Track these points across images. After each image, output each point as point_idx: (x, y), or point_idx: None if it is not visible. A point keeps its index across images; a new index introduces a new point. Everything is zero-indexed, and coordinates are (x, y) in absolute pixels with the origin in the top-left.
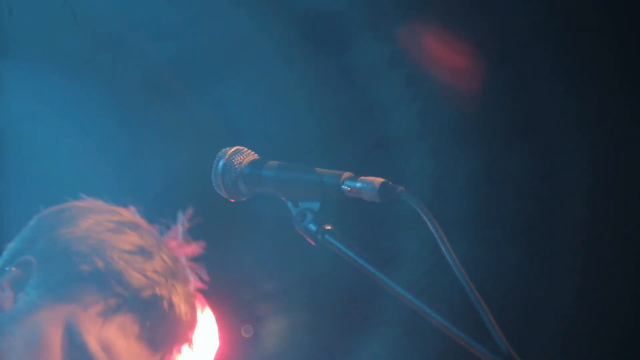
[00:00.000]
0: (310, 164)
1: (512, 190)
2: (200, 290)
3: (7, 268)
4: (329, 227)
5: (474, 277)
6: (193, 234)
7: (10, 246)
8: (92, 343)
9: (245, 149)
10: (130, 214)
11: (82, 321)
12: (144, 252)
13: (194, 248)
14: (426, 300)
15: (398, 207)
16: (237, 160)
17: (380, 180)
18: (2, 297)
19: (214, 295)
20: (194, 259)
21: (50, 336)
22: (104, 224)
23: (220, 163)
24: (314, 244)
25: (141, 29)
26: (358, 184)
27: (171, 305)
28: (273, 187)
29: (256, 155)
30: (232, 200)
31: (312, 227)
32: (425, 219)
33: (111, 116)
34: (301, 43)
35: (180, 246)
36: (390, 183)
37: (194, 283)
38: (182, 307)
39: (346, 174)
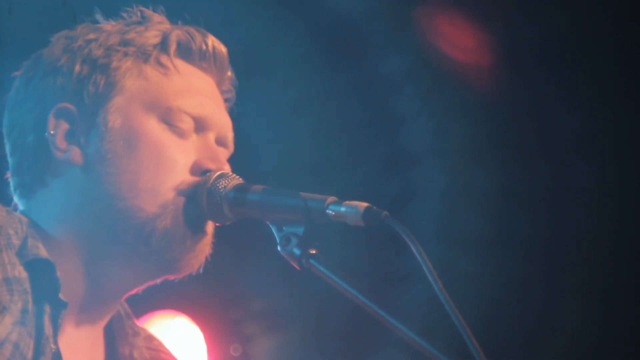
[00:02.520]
0: (325, 179)
1: (528, 208)
2: (191, 310)
3: (46, 134)
4: (314, 252)
5: (488, 294)
6: None
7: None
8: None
9: (230, 173)
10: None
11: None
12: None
13: None
14: (412, 325)
15: (409, 227)
16: (222, 184)
17: (365, 204)
18: (72, 155)
19: (204, 314)
20: None
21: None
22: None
23: (205, 187)
24: (298, 268)
25: None
26: (342, 208)
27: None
28: (258, 211)
29: (241, 179)
30: (217, 225)
31: (296, 251)
32: (409, 243)
33: None
34: (317, 57)
35: None
36: (375, 207)
37: None
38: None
39: (330, 199)
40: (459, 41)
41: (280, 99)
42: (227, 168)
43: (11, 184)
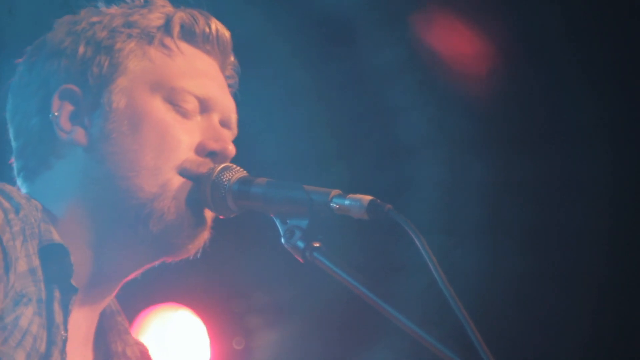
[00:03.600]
0: (320, 170)
1: (525, 198)
2: (193, 303)
3: (50, 116)
4: (317, 245)
5: (485, 285)
6: None
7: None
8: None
9: (234, 166)
10: None
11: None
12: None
13: None
14: (415, 318)
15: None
16: (226, 177)
17: (369, 198)
18: (76, 135)
19: (206, 308)
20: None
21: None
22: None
23: (210, 180)
24: (302, 261)
25: None
26: (346, 202)
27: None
28: (261, 204)
29: (245, 172)
30: (221, 217)
31: (300, 244)
32: (412, 236)
33: None
34: (312, 49)
35: None
36: (378, 201)
37: None
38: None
39: (334, 192)
40: (455, 35)
41: (274, 91)
42: (231, 148)
43: (15, 168)
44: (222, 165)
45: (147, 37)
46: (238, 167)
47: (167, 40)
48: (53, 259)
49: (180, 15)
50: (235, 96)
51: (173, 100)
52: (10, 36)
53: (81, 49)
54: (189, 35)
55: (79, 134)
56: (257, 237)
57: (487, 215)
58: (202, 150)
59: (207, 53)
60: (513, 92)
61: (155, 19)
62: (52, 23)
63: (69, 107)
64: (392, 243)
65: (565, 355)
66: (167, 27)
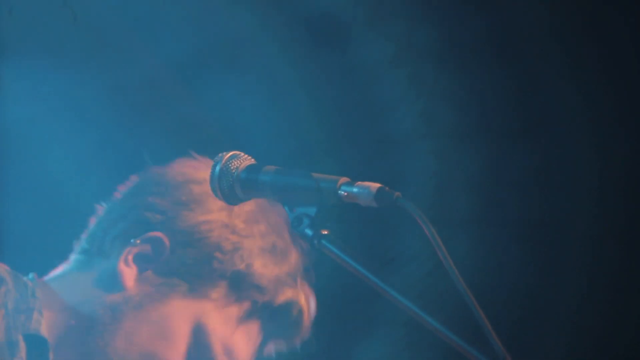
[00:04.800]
0: (312, 164)
1: (516, 190)
2: None
3: (132, 240)
4: (326, 232)
5: (477, 279)
6: None
7: (126, 203)
8: (217, 346)
9: (242, 154)
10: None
11: (213, 321)
12: (281, 252)
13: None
14: (423, 305)
15: (398, 210)
16: (234, 165)
17: (377, 185)
18: (125, 272)
19: None
20: None
21: (178, 331)
22: (238, 210)
23: (217, 168)
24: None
25: (141, 28)
26: (355, 189)
27: (301, 311)
28: (270, 192)
29: (253, 160)
30: (230, 205)
31: (309, 232)
32: (421, 223)
33: (110, 116)
34: (302, 43)
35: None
36: (387, 188)
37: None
38: (309, 309)
39: (343, 179)
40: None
41: (262, 87)
42: None
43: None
44: (230, 154)
45: None
46: (246, 155)
47: None
48: (34, 349)
49: None
50: (216, 102)
51: None
52: (10, 36)
53: None
54: None
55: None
56: None
57: (480, 206)
58: None
59: None
60: (504, 83)
61: None
62: (52, 24)
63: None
64: (386, 234)
65: (563, 344)
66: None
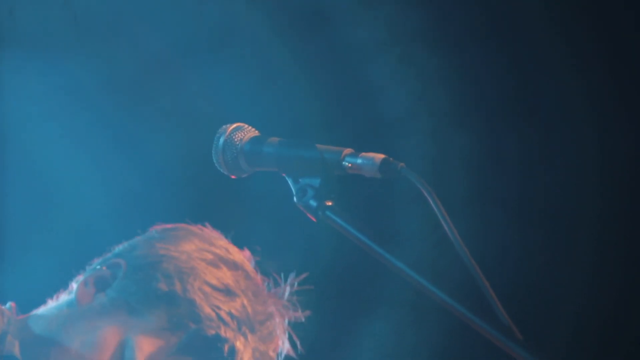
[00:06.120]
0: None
1: (511, 171)
2: None
3: (98, 266)
4: (330, 203)
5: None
6: (195, 214)
7: (118, 248)
8: None
9: (246, 126)
10: (240, 255)
11: (143, 340)
12: (228, 292)
13: (296, 315)
14: (428, 276)
15: (400, 183)
16: (238, 137)
17: (381, 156)
18: (83, 291)
19: None
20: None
21: (105, 342)
22: (204, 254)
23: (221, 140)
24: (314, 220)
25: (134, 10)
26: (359, 160)
27: (232, 351)
28: (274, 163)
29: (257, 132)
30: (233, 177)
31: (313, 203)
32: (426, 195)
33: (108, 98)
34: (294, 23)
35: (281, 307)
36: (391, 159)
37: (278, 348)
38: (245, 357)
39: (347, 150)
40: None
41: (258, 67)
42: None
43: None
44: (234, 125)
45: None
46: (250, 127)
47: None
48: None
49: None
50: (206, 86)
51: None
52: (10, 37)
53: None
54: None
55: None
56: (266, 204)
57: (474, 186)
58: None
59: None
60: (501, 63)
61: None
62: (52, 24)
63: None
64: (388, 210)
65: (559, 324)
66: (195, 342)
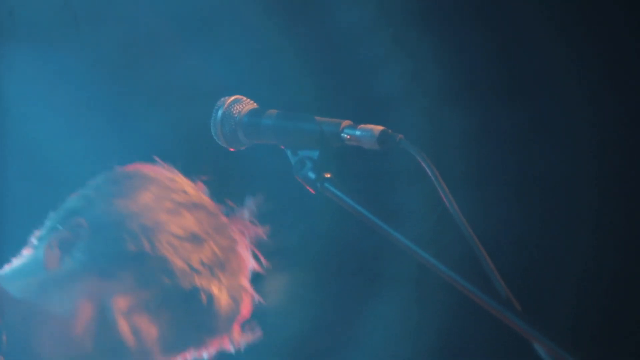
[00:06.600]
0: None
1: (507, 149)
2: None
3: (59, 227)
4: (329, 175)
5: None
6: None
7: (71, 200)
8: (124, 325)
9: (245, 98)
10: (195, 191)
11: (119, 302)
12: (195, 239)
13: (259, 231)
14: (425, 247)
15: (401, 160)
16: (237, 109)
17: (380, 128)
18: (49, 255)
19: None
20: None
21: (82, 308)
22: (163, 203)
23: (220, 112)
24: (313, 192)
25: None
26: (357, 132)
27: (210, 298)
28: (272, 135)
29: (255, 104)
30: (232, 150)
31: (312, 175)
32: (425, 167)
33: (101, 75)
34: (288, 2)
35: (244, 228)
36: (390, 131)
37: (248, 271)
38: (222, 300)
39: (345, 122)
40: None
41: (251, 45)
42: None
43: None
44: (232, 98)
45: None
46: (248, 100)
47: None
48: None
49: None
50: (199, 69)
51: None
52: (10, 37)
53: None
54: None
55: None
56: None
57: (472, 165)
58: None
59: None
60: (495, 41)
61: None
62: (53, 24)
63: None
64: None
65: (560, 299)
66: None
